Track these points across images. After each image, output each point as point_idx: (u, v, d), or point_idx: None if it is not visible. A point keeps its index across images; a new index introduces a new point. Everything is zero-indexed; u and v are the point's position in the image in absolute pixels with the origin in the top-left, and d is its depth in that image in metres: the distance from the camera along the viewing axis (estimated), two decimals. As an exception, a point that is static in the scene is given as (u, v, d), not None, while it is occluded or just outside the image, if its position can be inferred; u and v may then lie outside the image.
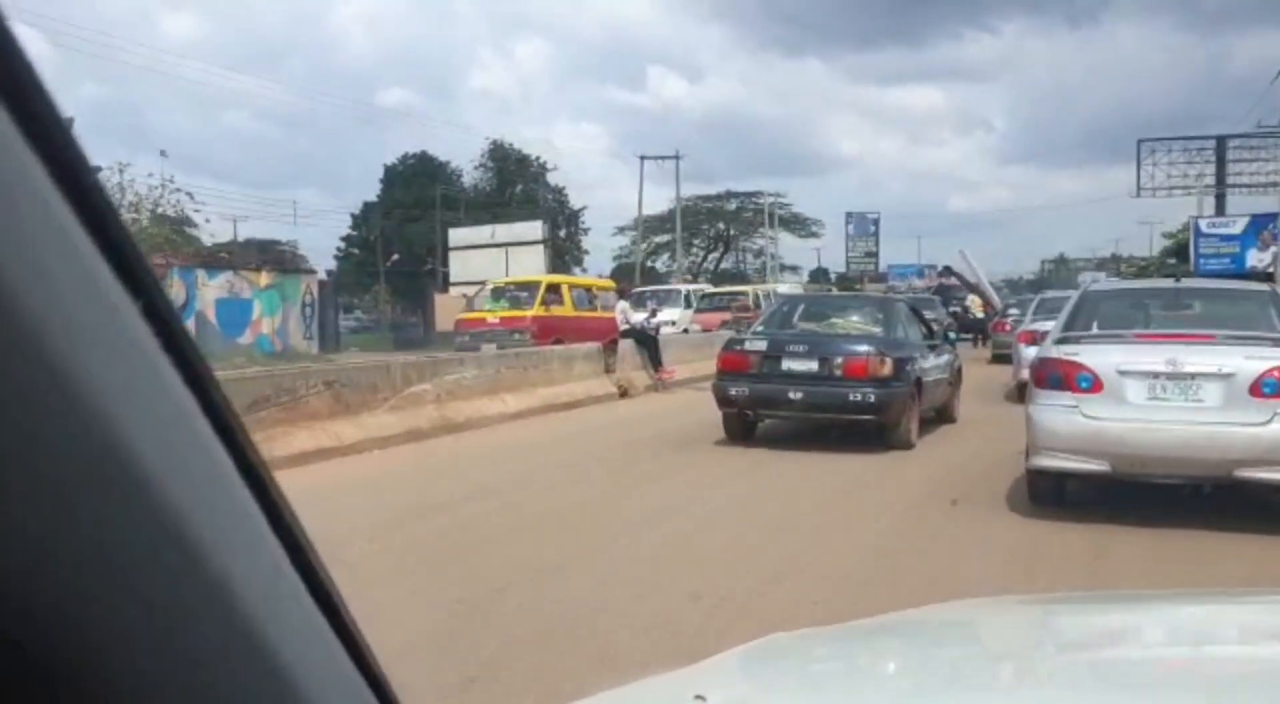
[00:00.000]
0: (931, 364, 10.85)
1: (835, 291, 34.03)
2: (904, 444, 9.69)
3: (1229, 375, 6.10)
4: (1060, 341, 6.81)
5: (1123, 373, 6.29)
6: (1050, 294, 20.65)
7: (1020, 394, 14.07)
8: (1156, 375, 6.23)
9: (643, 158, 49.11)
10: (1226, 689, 1.23)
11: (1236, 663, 1.45)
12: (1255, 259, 39.16)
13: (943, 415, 11.72)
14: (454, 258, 38.41)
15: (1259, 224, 40.24)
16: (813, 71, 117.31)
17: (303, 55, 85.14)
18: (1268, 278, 33.02)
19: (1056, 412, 6.43)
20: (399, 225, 51.25)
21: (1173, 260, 49.08)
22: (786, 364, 9.80)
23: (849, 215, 67.68)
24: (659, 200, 68.25)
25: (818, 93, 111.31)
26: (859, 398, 9.40)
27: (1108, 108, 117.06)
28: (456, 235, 39.58)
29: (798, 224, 67.75)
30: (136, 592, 0.42)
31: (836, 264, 69.74)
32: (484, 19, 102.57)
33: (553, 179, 59.76)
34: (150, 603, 0.42)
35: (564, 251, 57.49)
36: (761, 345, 10.02)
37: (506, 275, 29.72)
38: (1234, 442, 6.04)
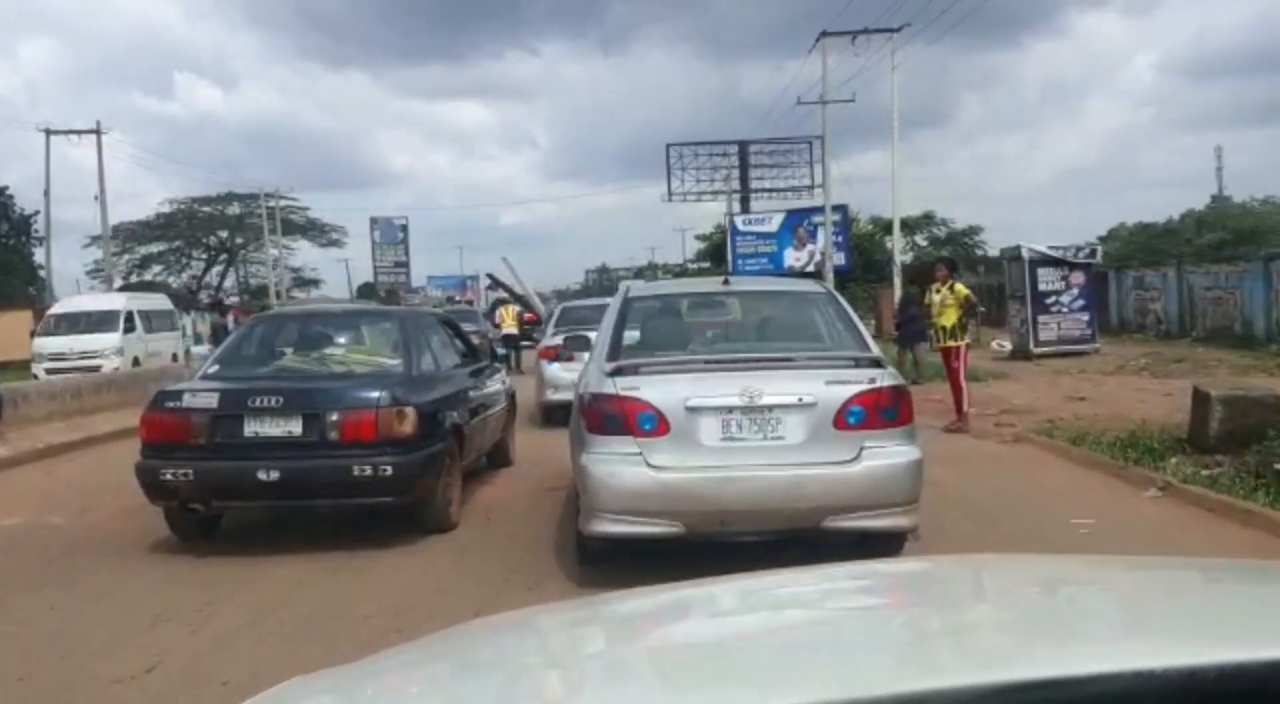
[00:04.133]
0: (477, 398, 8.46)
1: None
2: (441, 525, 7.25)
3: (810, 405, 5.60)
4: (615, 372, 5.77)
5: (692, 410, 5.58)
6: (573, 303, 19.53)
7: (546, 418, 13.13)
8: (731, 410, 5.59)
9: (48, 132, 39.04)
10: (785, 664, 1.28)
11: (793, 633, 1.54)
12: (793, 258, 41.85)
13: (494, 459, 9.55)
14: None
15: (794, 221, 43.13)
16: (360, 84, 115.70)
17: None
18: (808, 277, 35.71)
19: (616, 463, 5.58)
20: None
21: (708, 263, 52.54)
22: (253, 427, 6.77)
23: (374, 221, 64.78)
24: (142, 205, 59.91)
25: (365, 106, 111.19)
26: (369, 472, 6.66)
27: (642, 127, 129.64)
28: None
29: (316, 231, 63.30)
30: None
31: (366, 276, 66.58)
32: None
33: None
34: None
35: (10, 268, 48.07)
36: (211, 400, 6.87)
37: None
38: (820, 486, 5.54)
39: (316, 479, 6.69)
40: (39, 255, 49.08)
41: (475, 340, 10.19)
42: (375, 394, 6.92)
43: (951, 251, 43.18)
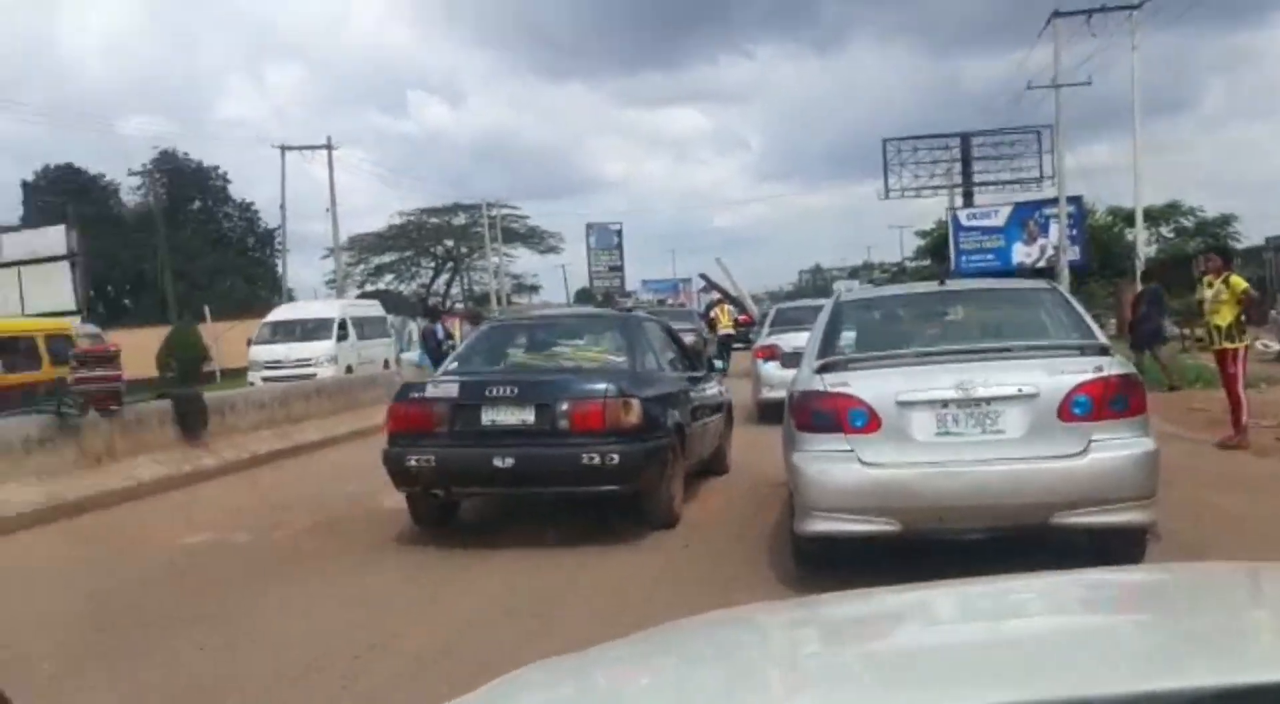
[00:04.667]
0: (697, 400, 8.65)
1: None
2: (665, 520, 7.47)
3: (1032, 396, 5.40)
4: (822, 369, 5.79)
5: (904, 404, 5.47)
6: (786, 304, 19.96)
7: (760, 415, 13.37)
8: (946, 404, 5.44)
9: (283, 149, 42.19)
10: (1033, 669, 1.29)
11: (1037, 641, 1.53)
12: (1022, 254, 39.58)
13: (712, 466, 9.60)
14: None
15: (1023, 214, 40.54)
16: (578, 95, 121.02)
17: (38, 84, 76.79)
18: (1039, 274, 34.06)
19: (827, 460, 5.54)
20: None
21: (927, 262, 50.90)
22: (489, 416, 7.21)
23: (589, 227, 66.64)
24: (378, 218, 63.90)
25: (584, 116, 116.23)
26: (596, 460, 6.96)
27: (857, 124, 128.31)
28: None
29: (535, 238, 65.79)
30: None
31: (582, 281, 68.65)
32: (235, 45, 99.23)
33: (245, 195, 54.25)
34: None
35: (256, 279, 52.55)
36: (451, 390, 7.37)
37: (22, 307, 24.63)
38: (1045, 480, 5.35)
39: (547, 466, 7.04)
40: (283, 266, 53.82)
41: (690, 338, 10.47)
42: (602, 386, 7.26)
43: (1203, 243, 40.40)
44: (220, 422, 12.36)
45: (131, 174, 49.97)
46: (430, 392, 7.42)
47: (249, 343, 26.57)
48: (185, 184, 53.23)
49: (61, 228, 29.37)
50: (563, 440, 7.07)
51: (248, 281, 51.63)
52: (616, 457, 6.96)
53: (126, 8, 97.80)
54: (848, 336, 6.55)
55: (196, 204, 54.44)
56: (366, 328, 27.55)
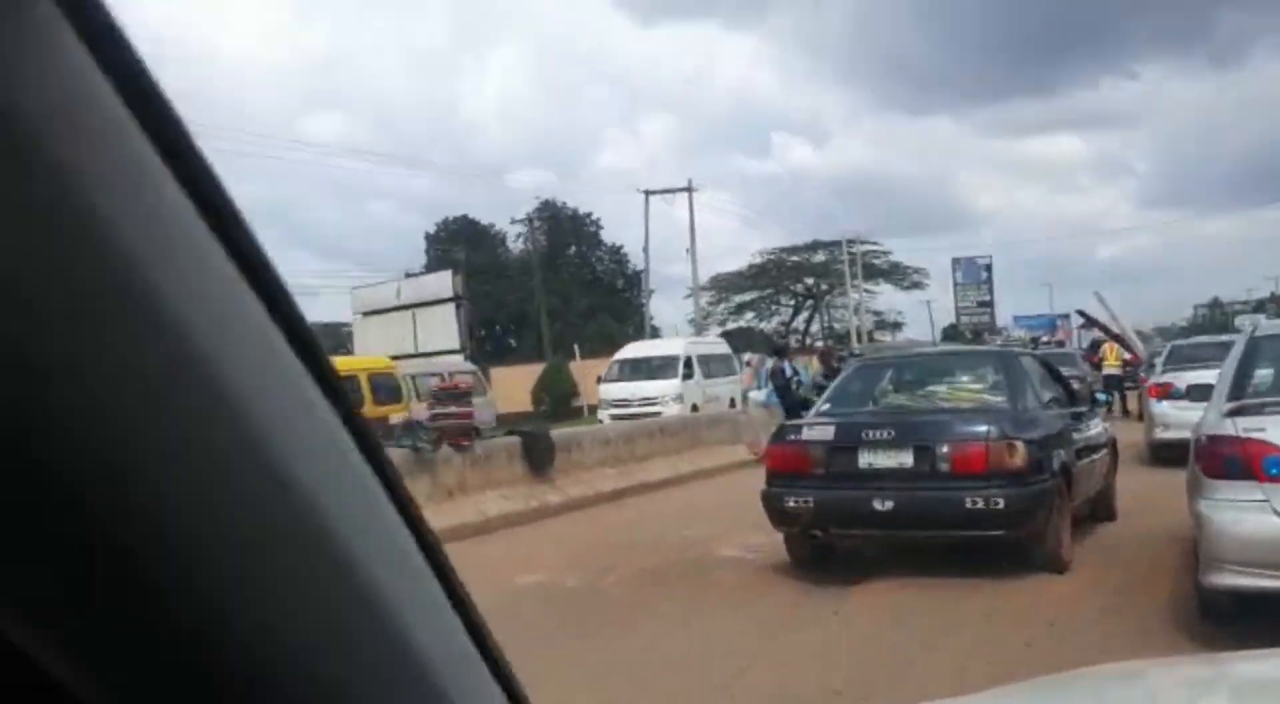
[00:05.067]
0: (1080, 440, 8.31)
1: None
2: (1054, 564, 7.22)
3: None
4: (1234, 412, 5.54)
5: None
6: (1183, 342, 18.80)
7: (1152, 455, 12.96)
8: None
9: (647, 193, 44.35)
10: None
11: None
12: None
13: (1096, 511, 9.13)
14: (356, 325, 31.52)
15: None
16: (942, 128, 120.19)
17: (444, 145, 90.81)
18: None
19: (1239, 510, 5.33)
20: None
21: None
22: (866, 458, 7.29)
23: (956, 261, 64.63)
24: (741, 258, 65.55)
25: (949, 148, 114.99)
26: (980, 504, 6.86)
27: (1259, 145, 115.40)
28: (360, 298, 31.88)
29: (898, 274, 64.73)
30: (289, 596, 0.47)
31: (948, 317, 66.66)
32: (611, 101, 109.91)
33: (616, 238, 58.02)
34: (305, 606, 0.48)
35: (624, 317, 55.69)
36: (828, 432, 7.53)
37: (415, 345, 26.44)
38: None
39: (929, 510, 7.04)
40: (650, 306, 56.85)
41: (1075, 385, 10.03)
42: (984, 427, 7.19)
43: None
44: (566, 458, 12.73)
45: (514, 222, 54.98)
46: (806, 434, 7.64)
47: (599, 380, 27.46)
48: (563, 230, 57.73)
49: (449, 272, 32.19)
50: (944, 483, 7.05)
51: (617, 320, 54.87)
52: (1001, 501, 6.85)
53: (518, 72, 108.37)
54: (1263, 376, 6.25)
55: (572, 249, 58.74)
56: (713, 366, 27.79)
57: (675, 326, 53.93)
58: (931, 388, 8.52)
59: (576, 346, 38.55)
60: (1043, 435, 7.50)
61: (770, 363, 19.48)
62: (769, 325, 64.64)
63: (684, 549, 9.05)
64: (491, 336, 55.99)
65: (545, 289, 50.40)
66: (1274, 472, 5.23)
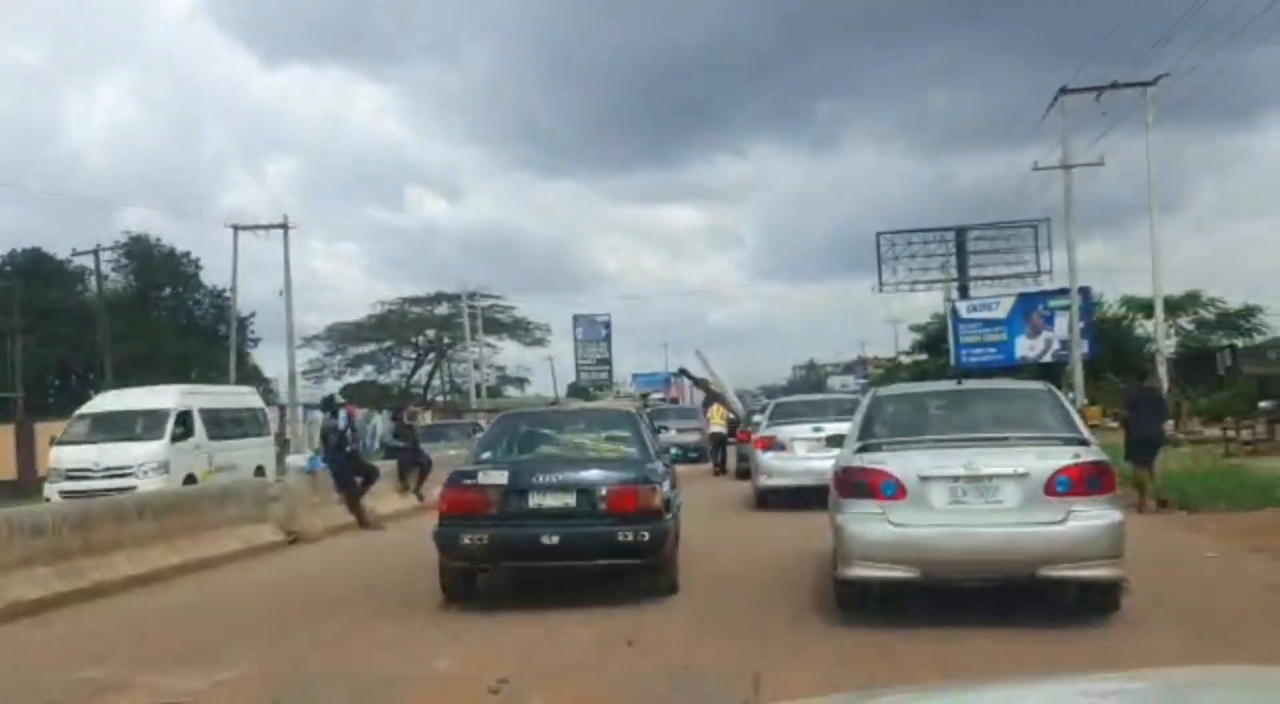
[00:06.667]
0: (674, 489, 10.40)
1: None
2: (673, 587, 9.22)
3: (1023, 475, 7.25)
4: (861, 449, 7.80)
5: (925, 478, 7.34)
6: (784, 399, 22.60)
7: (758, 501, 16.12)
8: (957, 479, 7.32)
9: (236, 228, 41.31)
10: None
11: None
12: (1026, 347, 40.31)
13: None
14: None
15: (1026, 306, 41.02)
16: (573, 191, 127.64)
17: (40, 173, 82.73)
18: (1045, 369, 34.87)
19: (864, 521, 7.42)
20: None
21: (924, 356, 52.28)
22: (536, 499, 8.81)
23: (576, 318, 68.39)
24: (360, 307, 65.24)
25: (578, 211, 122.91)
26: (630, 538, 8.64)
27: (851, 221, 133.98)
28: None
29: (521, 330, 67.34)
30: None
31: (571, 374, 70.09)
32: (233, 141, 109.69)
33: (215, 282, 55.27)
34: None
35: (225, 367, 53.64)
36: (502, 477, 8.94)
37: None
38: (1033, 542, 7.18)
39: (590, 542, 8.65)
40: (256, 356, 54.88)
41: (695, 437, 12.22)
42: (633, 474, 9.06)
43: (1225, 335, 40.43)
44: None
45: (75, 254, 46.96)
46: (482, 478, 8.99)
47: (52, 442, 22.36)
48: (155, 269, 54.11)
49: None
50: (601, 521, 8.67)
51: (218, 370, 52.66)
52: (646, 534, 8.65)
53: (130, 103, 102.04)
54: (880, 425, 8.30)
55: (167, 290, 55.75)
56: (228, 424, 22.93)
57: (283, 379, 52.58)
58: (578, 440, 10.16)
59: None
60: (669, 482, 9.61)
61: (324, 419, 17.86)
62: (388, 378, 64.96)
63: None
64: (65, 385, 51.97)
65: (132, 333, 47.50)
66: (889, 492, 7.33)
